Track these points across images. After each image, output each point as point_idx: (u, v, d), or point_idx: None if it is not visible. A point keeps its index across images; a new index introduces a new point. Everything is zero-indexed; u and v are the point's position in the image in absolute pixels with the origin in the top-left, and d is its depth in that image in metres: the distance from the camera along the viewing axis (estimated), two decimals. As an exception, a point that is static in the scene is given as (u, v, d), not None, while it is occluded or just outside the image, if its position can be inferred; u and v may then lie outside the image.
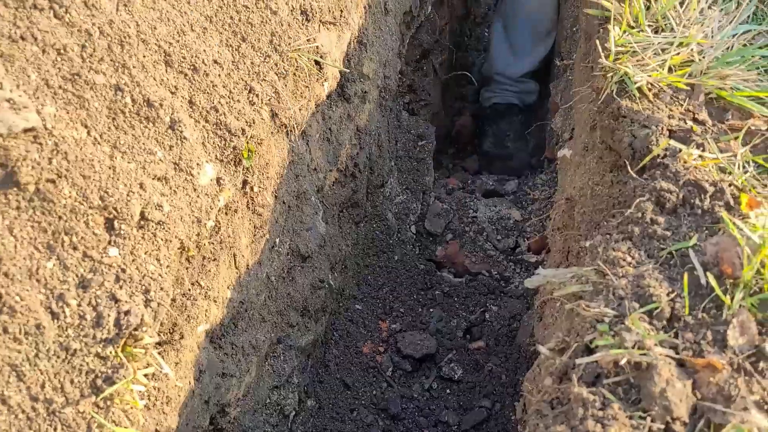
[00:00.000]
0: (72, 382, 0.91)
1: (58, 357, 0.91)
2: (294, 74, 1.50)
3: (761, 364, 0.92)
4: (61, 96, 1.04)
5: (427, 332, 2.01)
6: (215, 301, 1.27)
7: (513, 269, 2.25)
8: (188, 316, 1.16)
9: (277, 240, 1.53)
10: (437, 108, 3.29)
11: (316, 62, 1.58)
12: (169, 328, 1.10)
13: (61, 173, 0.98)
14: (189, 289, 1.17)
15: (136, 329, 0.96)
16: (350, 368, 1.90)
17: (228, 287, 1.33)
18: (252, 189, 1.36)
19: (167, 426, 1.08)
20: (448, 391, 1.92)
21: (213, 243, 1.24)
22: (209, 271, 1.24)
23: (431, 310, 2.10)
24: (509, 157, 3.01)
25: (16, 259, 0.92)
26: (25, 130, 0.95)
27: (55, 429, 0.89)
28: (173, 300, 1.10)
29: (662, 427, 0.86)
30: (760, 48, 1.39)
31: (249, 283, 1.42)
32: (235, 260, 1.34)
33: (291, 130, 1.51)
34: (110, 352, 0.94)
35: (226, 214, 1.28)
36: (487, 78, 3.17)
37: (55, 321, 0.92)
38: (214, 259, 1.25)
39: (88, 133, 1.05)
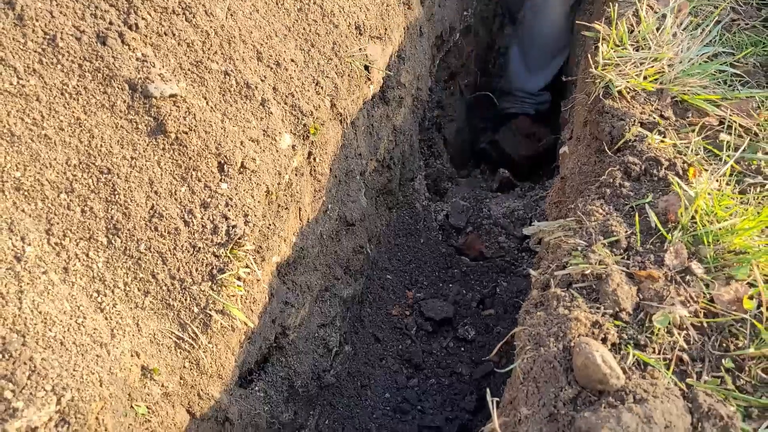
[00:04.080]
0: (197, 269, 1.30)
1: (188, 251, 1.30)
2: (348, 75, 1.90)
3: (687, 278, 1.27)
4: (190, 76, 1.45)
5: (447, 301, 2.37)
6: (285, 241, 1.65)
7: (522, 256, 2.60)
8: (267, 246, 1.54)
9: (330, 206, 1.92)
10: (462, 124, 3.69)
11: (366, 67, 1.98)
12: (257, 249, 1.49)
13: (191, 128, 1.38)
14: (269, 225, 1.55)
15: (240, 238, 1.35)
16: (381, 325, 2.26)
17: (293, 233, 1.71)
18: (315, 159, 1.76)
19: (253, 320, 1.46)
20: (462, 348, 2.27)
21: (286, 195, 1.63)
22: (282, 216, 1.62)
23: (451, 285, 2.46)
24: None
25: (162, 183, 1.31)
26: (170, 96, 1.35)
27: (186, 299, 1.28)
28: (260, 229, 1.49)
29: (612, 313, 1.22)
30: (717, 63, 1.76)
31: (308, 235, 1.80)
32: (299, 213, 1.73)
33: (344, 119, 1.91)
34: (222, 252, 1.32)
35: (296, 174, 1.67)
36: (506, 92, 3.58)
37: (187, 227, 1.31)
38: (286, 208, 1.64)
39: (207, 103, 1.45)
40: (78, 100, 1.26)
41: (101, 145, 1.26)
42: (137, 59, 1.35)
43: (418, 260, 2.50)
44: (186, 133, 1.37)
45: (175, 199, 1.32)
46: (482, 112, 3.93)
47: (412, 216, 2.56)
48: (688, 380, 1.13)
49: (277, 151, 1.56)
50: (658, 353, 1.17)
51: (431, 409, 2.12)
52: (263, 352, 1.67)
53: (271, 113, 1.56)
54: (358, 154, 2.09)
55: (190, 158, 1.36)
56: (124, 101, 1.31)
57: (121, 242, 1.23)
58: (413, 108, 2.61)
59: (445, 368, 2.21)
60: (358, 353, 2.16)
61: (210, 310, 1.30)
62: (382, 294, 2.33)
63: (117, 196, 1.25)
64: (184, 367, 1.28)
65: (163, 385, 1.22)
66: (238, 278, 1.37)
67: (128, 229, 1.25)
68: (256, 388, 1.65)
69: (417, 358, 2.21)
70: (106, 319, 1.17)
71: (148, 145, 1.32)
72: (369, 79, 2.03)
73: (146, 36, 1.40)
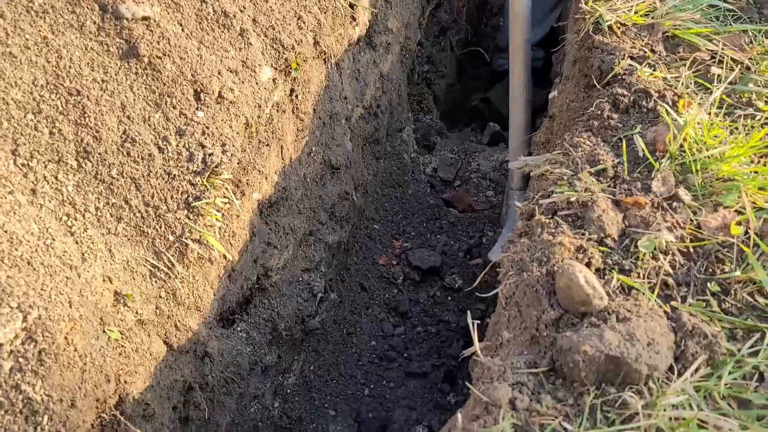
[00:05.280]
0: (172, 197, 1.26)
1: (163, 179, 1.26)
2: (332, 12, 1.85)
3: (675, 204, 1.24)
4: (164, 1, 1.40)
5: (435, 251, 2.34)
6: (266, 178, 1.61)
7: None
8: (247, 181, 1.51)
9: (314, 148, 1.88)
10: (452, 80, 3.63)
11: (351, 5, 1.93)
12: (236, 183, 1.45)
13: (166, 53, 1.33)
14: (249, 160, 1.51)
15: (217, 166, 1.31)
16: (367, 275, 2.24)
17: (275, 172, 1.68)
18: (297, 97, 1.71)
19: (232, 254, 1.43)
20: (449, 297, 2.25)
21: (267, 131, 1.59)
22: (263, 152, 1.58)
23: (438, 236, 2.43)
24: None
25: (135, 108, 1.27)
26: (143, 18, 1.30)
27: (161, 227, 1.24)
28: (239, 161, 1.45)
29: (597, 238, 1.19)
30: (710, -2, 1.72)
31: (290, 175, 1.76)
32: (281, 152, 1.69)
33: (328, 59, 1.86)
34: (198, 180, 1.29)
35: (277, 110, 1.62)
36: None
37: (161, 154, 1.27)
38: (267, 144, 1.59)
39: (182, 29, 1.40)
40: (45, 18, 1.21)
41: (70, 66, 1.21)
42: (108, -20, 1.29)
43: (406, 211, 2.47)
44: (160, 58, 1.32)
45: (149, 125, 1.28)
46: (474, 71, 3.87)
47: (399, 167, 2.53)
48: (672, 303, 1.10)
49: (256, 83, 1.51)
50: (643, 278, 1.14)
51: (418, 357, 2.11)
52: (245, 293, 1.64)
53: (251, 44, 1.52)
54: (344, 97, 2.04)
55: (164, 84, 1.32)
56: (94, 22, 1.26)
57: (92, 166, 1.20)
58: (401, 57, 2.55)
59: (432, 316, 2.20)
60: (344, 301, 2.14)
61: (186, 238, 1.26)
62: (369, 243, 2.30)
63: (87, 119, 1.20)
64: (160, 296, 1.25)
65: (137, 312, 1.19)
66: (217, 210, 1.33)
67: (99, 153, 1.20)
68: (238, 328, 1.63)
69: (404, 306, 2.19)
70: (77, 243, 1.14)
71: (119, 68, 1.27)
72: (354, 19, 1.98)
73: (117, -43, 1.34)
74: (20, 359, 0.95)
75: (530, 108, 2.27)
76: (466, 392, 2.03)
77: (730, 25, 1.69)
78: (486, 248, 2.35)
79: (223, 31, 1.47)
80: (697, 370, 1.00)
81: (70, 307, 1.04)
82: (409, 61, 2.69)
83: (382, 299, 2.21)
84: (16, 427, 0.93)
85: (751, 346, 1.04)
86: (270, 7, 1.61)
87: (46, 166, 1.15)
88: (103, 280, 1.14)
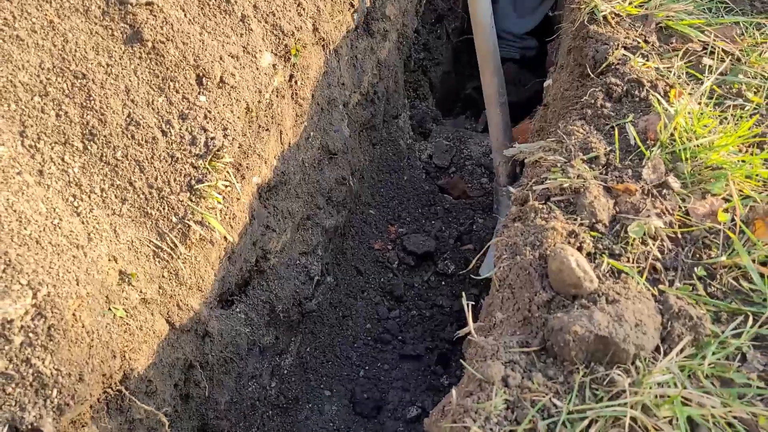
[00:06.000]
0: (175, 179, 1.29)
1: (166, 161, 1.29)
2: (332, 0, 1.87)
3: (664, 191, 1.28)
4: (167, -13, 1.41)
5: (429, 236, 2.38)
6: (265, 162, 1.64)
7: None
8: (248, 165, 1.54)
9: (312, 133, 1.90)
10: (448, 68, 3.65)
11: (349, -7, 1.95)
12: (236, 166, 1.48)
13: (169, 38, 1.35)
14: (249, 144, 1.54)
15: (218, 150, 1.34)
16: (363, 259, 2.28)
17: (274, 157, 1.70)
18: (296, 83, 1.73)
19: (233, 236, 1.46)
20: (443, 283, 2.29)
21: (267, 116, 1.61)
22: (262, 137, 1.61)
23: (433, 222, 2.47)
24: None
25: (139, 92, 1.29)
26: (147, 3, 1.32)
27: (164, 208, 1.27)
28: (240, 145, 1.48)
29: (588, 224, 1.23)
30: (703, -10, 1.75)
31: (289, 160, 1.79)
32: (281, 136, 1.71)
33: (327, 45, 1.88)
34: (201, 163, 1.32)
35: (277, 96, 1.65)
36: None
37: (164, 137, 1.30)
38: (267, 129, 1.62)
39: (185, 15, 1.43)
40: (51, 2, 1.23)
41: (76, 50, 1.23)
42: (112, -35, 1.31)
43: (401, 197, 2.50)
44: (163, 43, 1.34)
45: (153, 109, 1.30)
46: (470, 59, 3.89)
47: (395, 153, 2.56)
48: (660, 286, 1.14)
49: (257, 68, 1.53)
50: (632, 262, 1.18)
51: (412, 340, 2.15)
52: (244, 275, 1.67)
53: (252, 30, 1.54)
54: (341, 83, 2.06)
55: (167, 69, 1.34)
56: (99, 6, 1.28)
57: (98, 148, 1.22)
58: (398, 44, 2.58)
59: (426, 300, 2.24)
60: (340, 284, 2.17)
61: (188, 220, 1.29)
62: (365, 228, 2.34)
63: (92, 102, 1.23)
64: (163, 276, 1.29)
65: (141, 291, 1.22)
66: (219, 192, 1.36)
67: (104, 136, 1.23)
68: (237, 309, 1.66)
69: (398, 290, 2.23)
70: (83, 223, 1.16)
71: (124, 52, 1.29)
72: (352, 6, 2.00)
73: (121, -58, 1.36)
74: (30, 334, 0.99)
75: (506, 109, 2.27)
76: (458, 375, 2.08)
77: (723, 16, 1.73)
78: (477, 235, 2.39)
79: (224, 17, 1.49)
80: (682, 350, 1.04)
81: (78, 285, 1.07)
82: (405, 48, 2.72)
83: (378, 283, 2.25)
84: (26, 399, 0.97)
85: (735, 328, 1.08)
86: (270, -7, 1.63)
87: (52, 148, 1.18)
88: (109, 260, 1.17)
